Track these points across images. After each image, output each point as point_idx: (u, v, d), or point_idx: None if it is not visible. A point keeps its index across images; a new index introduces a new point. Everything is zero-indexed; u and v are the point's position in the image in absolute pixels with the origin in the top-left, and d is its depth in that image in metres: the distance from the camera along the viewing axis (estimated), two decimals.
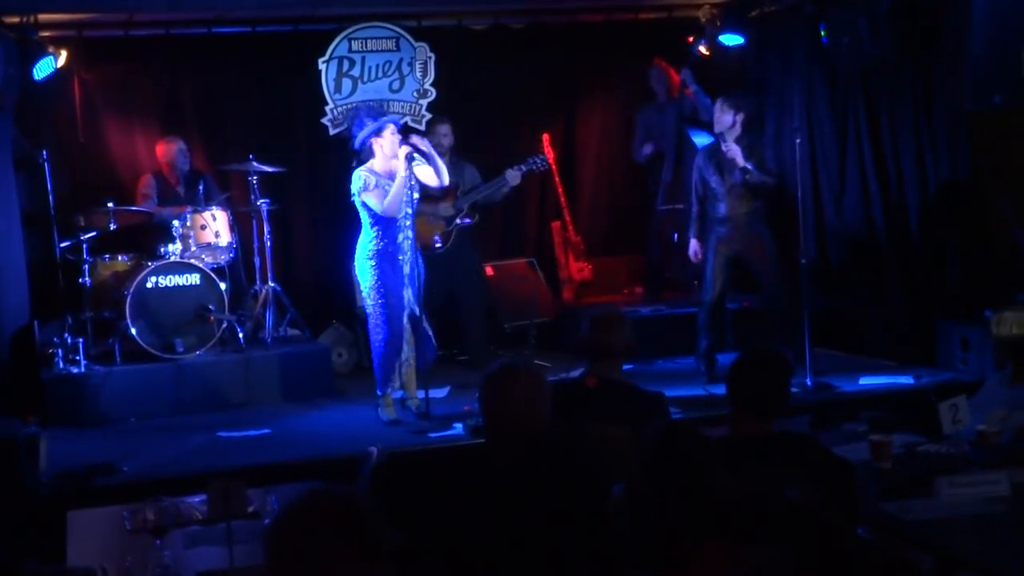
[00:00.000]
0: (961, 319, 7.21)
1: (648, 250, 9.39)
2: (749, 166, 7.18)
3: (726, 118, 7.31)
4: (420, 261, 6.73)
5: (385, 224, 6.60)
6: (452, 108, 9.05)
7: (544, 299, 9.20)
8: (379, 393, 6.82)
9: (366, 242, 6.64)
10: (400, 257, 6.63)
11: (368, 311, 6.75)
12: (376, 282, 6.61)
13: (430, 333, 6.78)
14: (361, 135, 6.72)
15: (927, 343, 7.51)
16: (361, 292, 6.90)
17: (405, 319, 6.67)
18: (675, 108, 9.04)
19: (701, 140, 8.48)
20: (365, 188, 6.54)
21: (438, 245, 8.15)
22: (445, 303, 8.36)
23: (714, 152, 7.46)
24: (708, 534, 2.49)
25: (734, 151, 7.20)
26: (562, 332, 8.86)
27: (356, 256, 6.71)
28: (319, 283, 8.89)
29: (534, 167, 8.22)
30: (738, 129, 7.32)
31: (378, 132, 6.64)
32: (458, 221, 8.16)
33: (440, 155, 8.16)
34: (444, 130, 8.27)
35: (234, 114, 8.95)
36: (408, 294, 6.67)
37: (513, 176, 8.09)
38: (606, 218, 9.87)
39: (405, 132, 7.01)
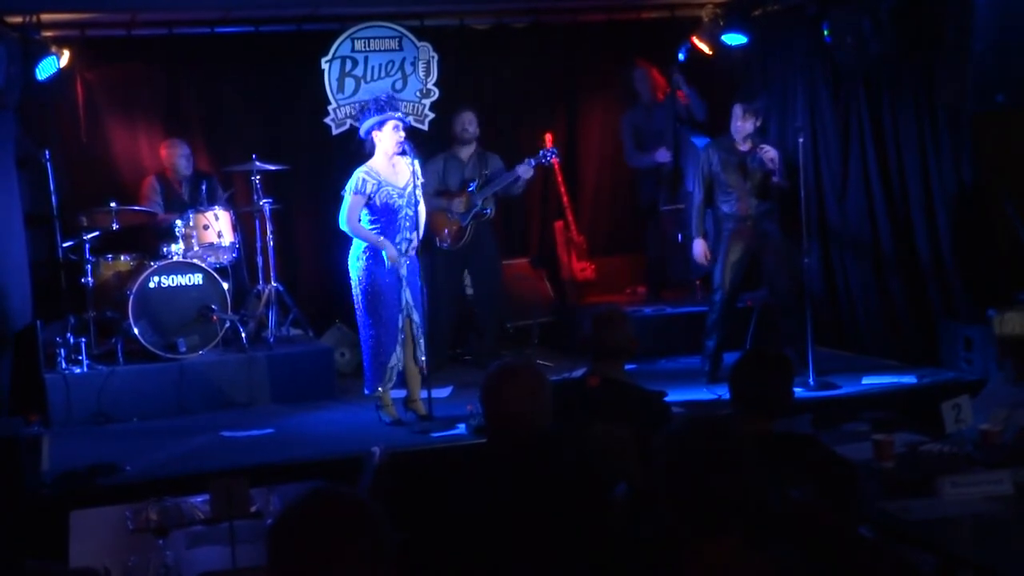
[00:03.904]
0: (964, 318, 7.21)
1: (650, 250, 9.38)
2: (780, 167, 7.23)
3: (748, 125, 7.33)
4: (417, 264, 6.71)
5: (385, 224, 6.59)
6: (454, 108, 9.05)
7: (546, 299, 9.20)
8: (366, 392, 6.82)
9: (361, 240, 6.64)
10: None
11: (356, 308, 6.74)
12: (364, 280, 6.59)
13: (421, 341, 6.73)
14: (364, 126, 6.72)
15: (930, 342, 7.51)
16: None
17: (400, 321, 6.65)
18: (664, 109, 9.02)
19: (700, 141, 8.48)
20: (356, 191, 6.53)
21: (446, 244, 8.17)
22: (463, 299, 8.39)
23: (729, 149, 7.44)
24: (712, 534, 2.49)
25: (772, 152, 7.22)
26: (564, 332, 8.87)
27: (350, 251, 6.70)
28: (322, 283, 8.89)
29: (543, 161, 8.22)
30: (755, 134, 7.35)
31: (380, 126, 6.63)
32: (474, 216, 8.15)
33: (464, 143, 8.20)
34: (468, 118, 8.30)
35: (237, 113, 8.95)
36: (407, 296, 6.65)
37: (524, 170, 8.09)
38: (608, 218, 9.87)
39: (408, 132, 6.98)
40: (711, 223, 7.81)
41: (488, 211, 8.21)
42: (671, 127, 8.94)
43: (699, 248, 7.58)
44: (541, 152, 8.23)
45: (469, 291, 8.53)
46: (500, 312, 8.61)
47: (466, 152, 8.29)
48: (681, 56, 8.90)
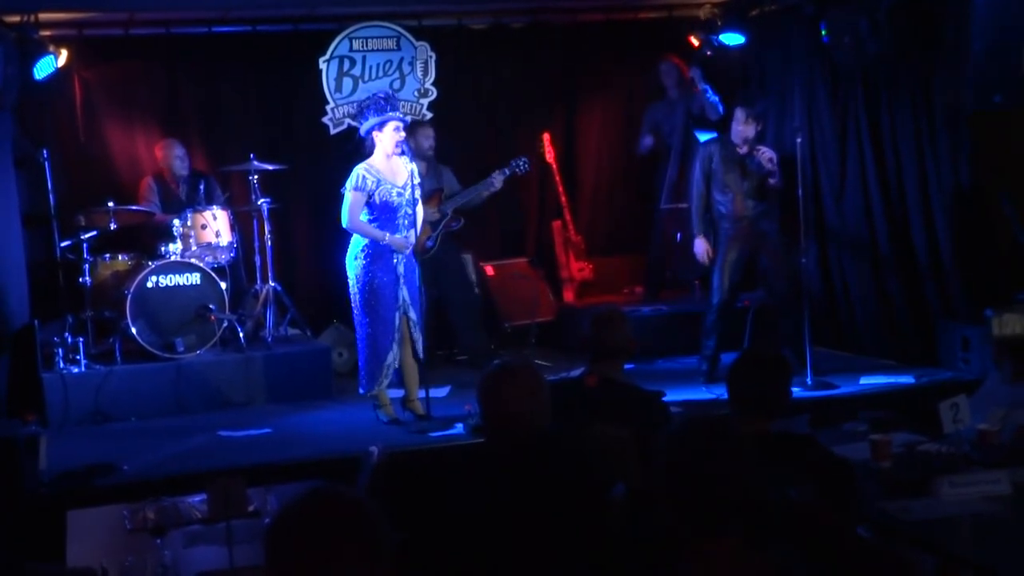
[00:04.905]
0: (962, 319, 7.21)
1: (650, 249, 9.38)
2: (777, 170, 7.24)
3: (749, 130, 7.33)
4: (415, 263, 6.71)
5: (383, 222, 6.59)
6: (452, 107, 9.06)
7: (544, 299, 9.20)
8: (361, 392, 6.81)
9: (360, 238, 6.64)
10: (395, 256, 6.62)
11: (353, 307, 6.74)
12: (362, 279, 6.59)
13: (418, 336, 6.74)
14: (365, 126, 6.71)
15: (928, 343, 7.51)
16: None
17: (397, 319, 6.65)
18: (684, 105, 9.01)
19: (706, 137, 8.47)
20: (356, 187, 6.52)
21: (429, 244, 8.15)
22: (433, 306, 8.36)
23: (730, 149, 7.43)
24: (712, 534, 2.49)
25: (769, 152, 7.23)
26: (563, 332, 8.87)
27: (348, 250, 6.69)
28: (320, 282, 8.89)
29: (517, 170, 8.17)
30: (755, 137, 7.36)
31: (380, 127, 6.62)
32: (443, 227, 8.11)
33: (418, 158, 8.13)
34: (427, 133, 8.25)
35: (235, 113, 8.94)
36: (404, 294, 6.65)
37: (497, 179, 8.05)
38: (606, 217, 9.86)
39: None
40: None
41: (456, 224, 8.18)
42: (682, 123, 8.94)
43: (700, 246, 7.56)
44: (513, 161, 8.16)
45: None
46: (479, 312, 8.60)
47: (422, 164, 8.27)
48: (703, 51, 8.87)
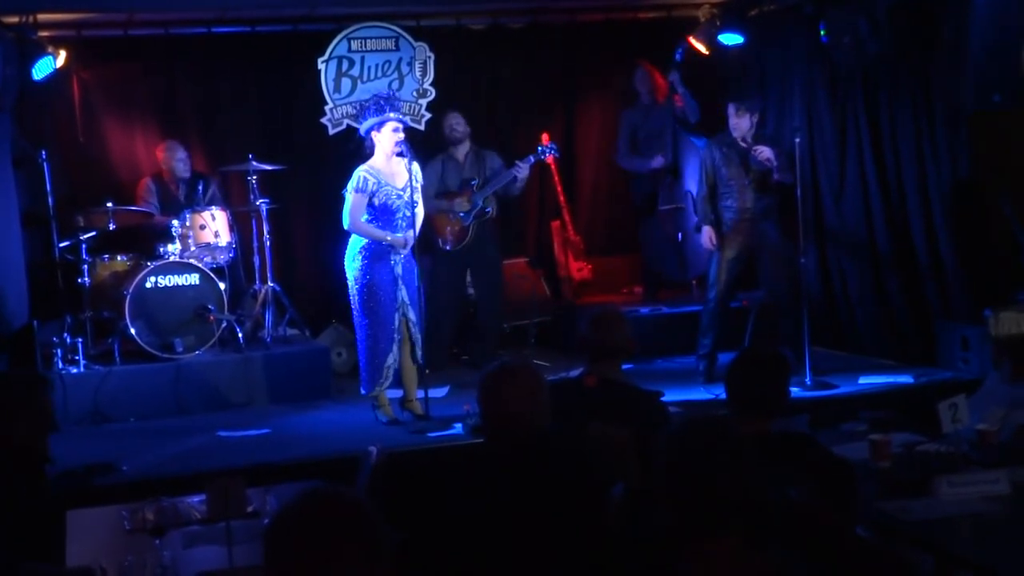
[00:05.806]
0: (961, 318, 7.21)
1: (644, 250, 9.36)
2: (778, 164, 7.23)
3: (743, 123, 7.32)
4: (414, 263, 6.71)
5: (382, 224, 6.59)
6: (451, 108, 9.04)
7: (543, 299, 9.20)
8: (363, 392, 6.82)
9: (358, 239, 6.64)
10: (393, 258, 6.62)
11: (352, 308, 6.74)
12: (361, 279, 6.59)
13: (419, 339, 6.75)
14: (364, 126, 6.73)
15: (927, 342, 7.51)
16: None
17: (396, 320, 6.66)
18: (662, 111, 9.00)
19: (700, 142, 8.47)
20: (357, 189, 6.53)
21: (448, 245, 8.15)
22: (465, 300, 8.40)
23: (730, 144, 7.43)
24: (712, 534, 2.49)
25: (767, 152, 7.22)
26: (561, 332, 8.87)
27: (347, 251, 6.70)
28: (318, 283, 8.89)
29: (543, 156, 8.20)
30: (754, 130, 7.36)
31: (379, 127, 6.63)
32: (476, 215, 8.13)
33: (457, 144, 8.19)
34: (455, 119, 8.27)
35: (233, 114, 8.94)
36: (403, 295, 6.65)
37: (522, 168, 8.06)
38: (605, 218, 9.86)
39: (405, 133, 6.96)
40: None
41: (489, 210, 8.21)
42: (670, 129, 8.94)
43: (706, 234, 7.53)
44: (540, 148, 8.21)
45: (470, 291, 8.54)
46: (501, 314, 8.60)
47: (461, 152, 8.28)
48: (678, 56, 8.88)
